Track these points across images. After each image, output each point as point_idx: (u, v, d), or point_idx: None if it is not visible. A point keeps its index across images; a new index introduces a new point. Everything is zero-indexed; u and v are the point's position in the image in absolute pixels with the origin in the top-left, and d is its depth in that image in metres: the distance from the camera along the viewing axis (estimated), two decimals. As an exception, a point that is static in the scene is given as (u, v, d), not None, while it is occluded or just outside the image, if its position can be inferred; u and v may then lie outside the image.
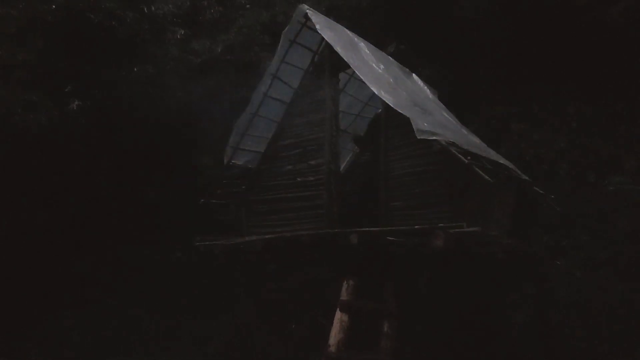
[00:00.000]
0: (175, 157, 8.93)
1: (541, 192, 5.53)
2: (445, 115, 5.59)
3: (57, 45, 8.73)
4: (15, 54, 8.49)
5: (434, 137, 4.17)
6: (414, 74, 6.26)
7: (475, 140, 5.31)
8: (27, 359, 7.52)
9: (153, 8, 8.87)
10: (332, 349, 4.27)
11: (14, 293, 7.97)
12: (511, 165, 5.31)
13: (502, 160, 5.14)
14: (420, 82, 6.19)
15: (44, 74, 8.55)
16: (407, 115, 4.19)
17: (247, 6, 9.75)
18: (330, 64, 5.44)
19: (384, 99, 4.47)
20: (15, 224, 8.28)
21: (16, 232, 8.27)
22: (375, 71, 5.03)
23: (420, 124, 4.17)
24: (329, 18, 5.51)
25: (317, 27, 4.90)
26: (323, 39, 5.19)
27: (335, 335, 4.35)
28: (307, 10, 5.07)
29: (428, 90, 6.15)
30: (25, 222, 8.33)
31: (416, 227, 4.38)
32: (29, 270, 8.22)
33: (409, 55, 8.10)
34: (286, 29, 5.53)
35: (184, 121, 8.86)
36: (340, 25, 5.55)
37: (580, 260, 6.32)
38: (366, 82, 4.55)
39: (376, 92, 4.50)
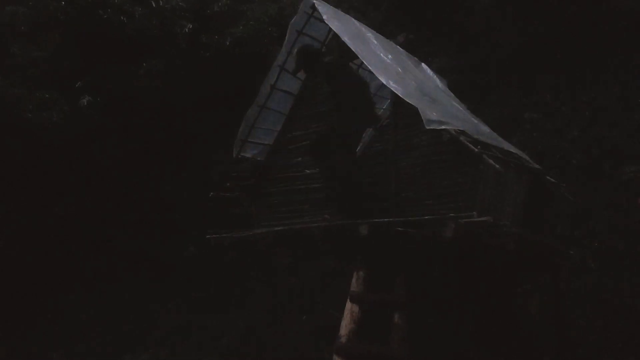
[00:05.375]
0: (186, 152, 8.98)
1: (554, 181, 5.45)
2: (455, 105, 5.51)
3: (67, 42, 8.84)
4: (27, 52, 8.60)
5: (443, 127, 4.11)
6: (423, 64, 6.17)
7: (486, 129, 5.23)
8: (43, 354, 7.63)
9: (161, 2, 8.91)
10: (343, 339, 4.24)
11: (29, 289, 8.10)
12: (523, 155, 5.23)
13: (513, 150, 5.07)
14: (429, 71, 6.10)
15: (56, 71, 8.65)
16: (416, 105, 4.13)
17: (255, -1, 9.76)
18: (337, 54, 5.40)
19: (392, 89, 4.41)
20: (30, 221, 8.41)
21: (31, 229, 8.40)
22: (383, 61, 4.97)
23: (429, 113, 4.10)
24: (338, 9, 5.46)
25: (324, 17, 4.84)
26: (330, 29, 5.14)
27: (345, 326, 4.32)
28: (314, 1, 5.03)
29: (437, 80, 6.07)
30: (39, 218, 8.46)
31: (426, 217, 4.34)
32: (43, 266, 8.34)
33: (418, 45, 8.03)
34: (293, 19, 5.49)
35: (193, 115, 8.90)
36: (347, 16, 5.50)
37: (594, 251, 6.25)
38: (374, 72, 4.48)
39: (384, 82, 4.43)
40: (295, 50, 5.34)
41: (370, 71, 4.67)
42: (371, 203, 5.18)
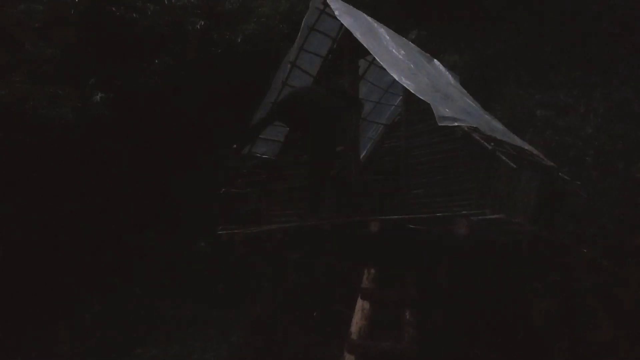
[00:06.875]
0: (197, 148, 9.01)
1: (567, 178, 5.41)
2: (467, 101, 5.48)
3: (80, 39, 8.88)
4: (40, 48, 8.65)
5: (456, 124, 4.08)
6: (435, 60, 6.14)
7: (499, 125, 5.20)
8: (53, 349, 7.70)
9: (173, 0, 8.94)
10: (354, 336, 4.25)
11: (39, 284, 8.17)
12: (535, 151, 5.19)
13: (526, 146, 5.03)
14: (441, 68, 6.07)
15: (68, 67, 8.70)
16: (428, 102, 4.11)
17: (266, -5, 9.76)
18: (349, 50, 5.39)
19: (404, 85, 4.40)
20: (41, 216, 8.48)
21: (41, 224, 8.47)
22: (395, 57, 4.95)
23: (442, 110, 4.08)
24: (349, 4, 5.45)
25: (336, 13, 4.84)
26: (342, 25, 5.13)
27: (356, 323, 4.33)
28: (326, -3, 5.01)
29: (450, 76, 6.03)
30: (50, 213, 8.53)
31: (438, 214, 4.32)
32: (54, 261, 8.41)
33: (431, 41, 7.98)
34: (305, 16, 5.49)
35: (204, 111, 8.93)
36: (359, 11, 5.48)
37: (607, 249, 6.17)
38: (386, 68, 4.47)
39: (396, 78, 4.42)
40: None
41: (382, 67, 4.66)
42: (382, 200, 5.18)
